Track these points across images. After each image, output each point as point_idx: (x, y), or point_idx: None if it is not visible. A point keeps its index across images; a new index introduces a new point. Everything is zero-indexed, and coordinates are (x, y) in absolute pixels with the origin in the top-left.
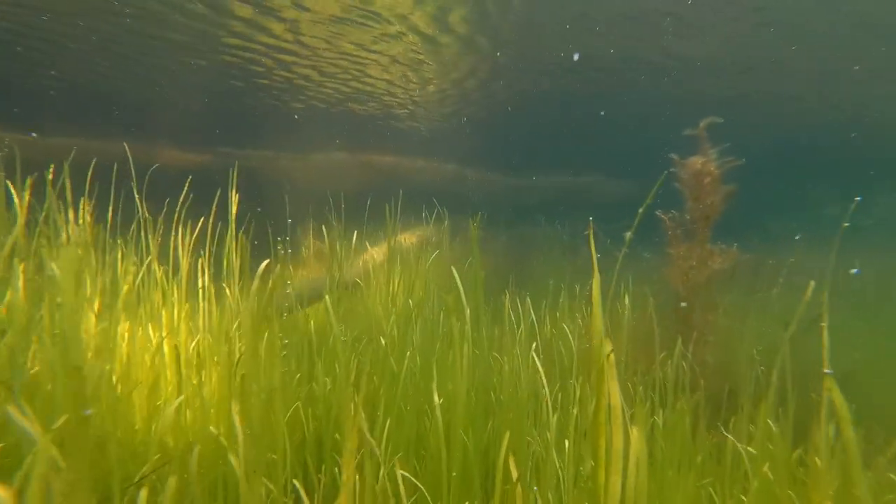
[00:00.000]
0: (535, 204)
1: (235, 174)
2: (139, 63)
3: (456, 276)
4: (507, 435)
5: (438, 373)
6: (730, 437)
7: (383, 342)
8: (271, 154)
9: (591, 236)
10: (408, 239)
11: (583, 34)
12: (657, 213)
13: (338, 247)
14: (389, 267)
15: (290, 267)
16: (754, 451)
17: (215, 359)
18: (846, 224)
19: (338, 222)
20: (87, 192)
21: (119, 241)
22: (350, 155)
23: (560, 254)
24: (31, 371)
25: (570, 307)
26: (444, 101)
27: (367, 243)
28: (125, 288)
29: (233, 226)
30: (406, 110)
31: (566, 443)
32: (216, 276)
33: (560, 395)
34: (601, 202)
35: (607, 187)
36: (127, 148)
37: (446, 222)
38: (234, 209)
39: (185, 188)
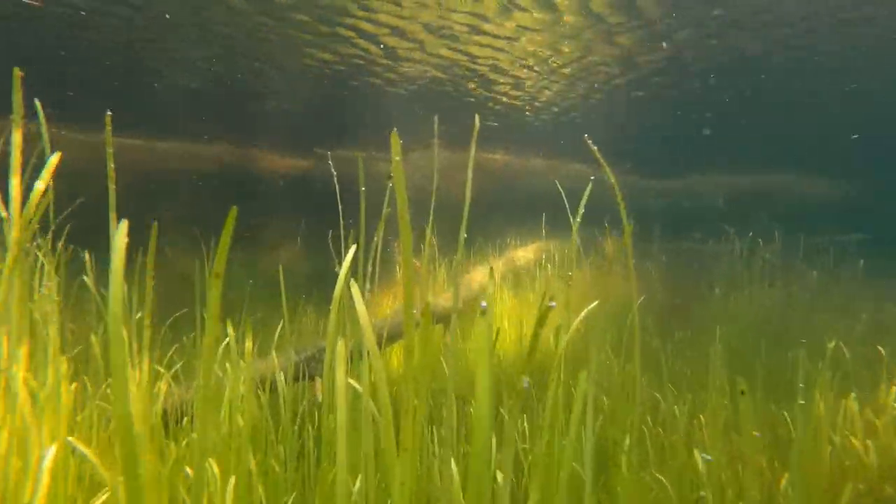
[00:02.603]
0: (690, 212)
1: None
2: (243, 59)
3: None
4: None
5: None
6: None
7: None
8: (366, 155)
9: None
10: (524, 256)
11: None
12: None
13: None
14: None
15: (379, 291)
16: None
17: None
18: None
19: (436, 236)
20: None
21: None
22: (452, 153)
23: (755, 280)
24: None
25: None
26: (571, 86)
27: (474, 261)
28: None
29: None
30: (522, 99)
31: None
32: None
33: None
34: (790, 208)
35: (801, 188)
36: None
37: (575, 234)
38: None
39: None
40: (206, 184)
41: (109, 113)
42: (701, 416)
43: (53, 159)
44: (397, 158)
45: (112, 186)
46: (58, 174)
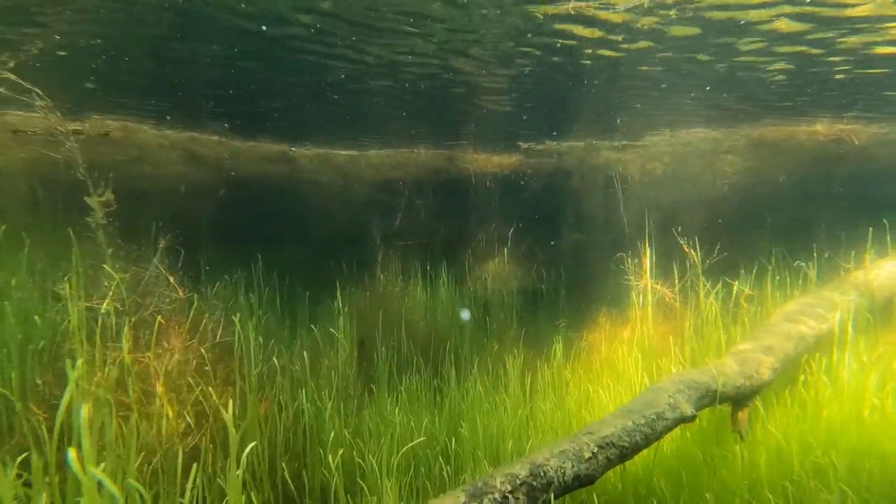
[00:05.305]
0: None
1: None
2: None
3: None
4: None
5: None
6: None
7: None
8: (582, 146)
9: None
10: (887, 277)
11: None
12: None
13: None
14: None
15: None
16: None
17: None
18: None
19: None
20: None
21: None
22: (723, 133)
23: None
24: None
25: None
26: None
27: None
28: None
29: None
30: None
31: None
32: None
33: None
34: None
35: None
36: None
37: None
38: None
39: None
40: (417, 193)
41: None
42: None
43: None
44: None
45: None
46: None
